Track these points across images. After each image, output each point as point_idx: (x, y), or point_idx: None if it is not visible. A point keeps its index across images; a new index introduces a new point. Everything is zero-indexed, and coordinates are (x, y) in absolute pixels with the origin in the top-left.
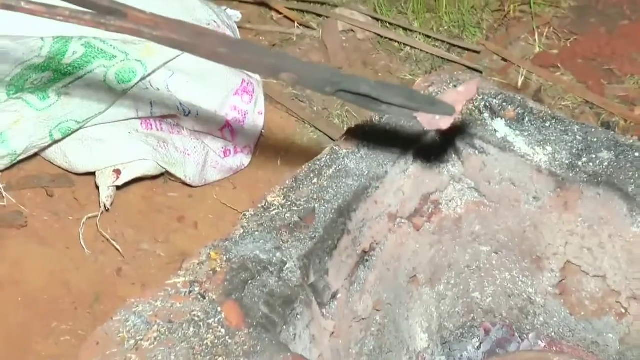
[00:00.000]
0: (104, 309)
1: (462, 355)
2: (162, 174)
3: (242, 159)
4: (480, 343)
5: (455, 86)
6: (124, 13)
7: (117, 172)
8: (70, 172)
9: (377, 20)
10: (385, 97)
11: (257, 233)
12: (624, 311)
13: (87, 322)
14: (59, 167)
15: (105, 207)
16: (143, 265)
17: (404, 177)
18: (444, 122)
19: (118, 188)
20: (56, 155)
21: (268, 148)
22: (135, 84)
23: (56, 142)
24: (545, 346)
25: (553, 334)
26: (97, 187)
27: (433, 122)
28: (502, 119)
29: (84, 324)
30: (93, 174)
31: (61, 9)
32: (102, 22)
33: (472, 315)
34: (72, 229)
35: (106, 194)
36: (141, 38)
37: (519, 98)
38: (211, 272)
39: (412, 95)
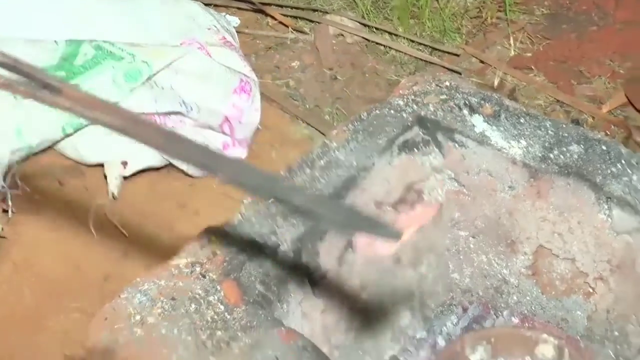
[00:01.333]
0: (111, 288)
1: (441, 331)
2: (165, 165)
3: (239, 152)
4: (459, 319)
5: (438, 87)
6: (58, 89)
7: (124, 163)
8: (81, 164)
9: (365, 25)
10: (322, 213)
11: (253, 219)
12: (591, 291)
13: (96, 300)
14: (71, 159)
15: (113, 195)
16: (148, 249)
17: (389, 168)
18: (385, 248)
19: (125, 178)
20: (68, 148)
21: (264, 142)
22: (142, 83)
23: (68, 136)
24: (518, 322)
25: (525, 311)
26: (106, 178)
27: (371, 247)
28: (480, 115)
29: (93, 302)
30: (102, 165)
31: None
32: (37, 94)
33: (451, 294)
34: (82, 215)
35: (114, 184)
36: (75, 115)
37: (496, 96)
38: (211, 254)
39: (353, 214)
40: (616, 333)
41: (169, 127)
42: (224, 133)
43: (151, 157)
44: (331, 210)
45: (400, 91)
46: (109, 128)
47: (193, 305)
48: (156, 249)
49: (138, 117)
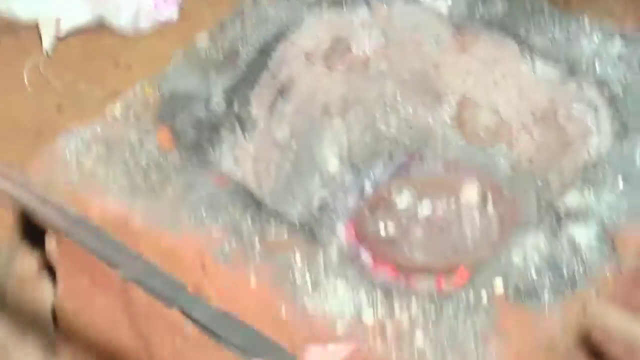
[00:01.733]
0: (45, 139)
1: (369, 177)
2: (99, 25)
3: (171, 11)
4: (385, 167)
5: None
6: None
7: (58, 21)
8: (15, 22)
9: None
10: (221, 331)
11: (186, 70)
12: (514, 141)
13: (30, 151)
14: (5, 18)
15: (47, 53)
16: (81, 103)
17: (318, 23)
18: None
19: (59, 38)
20: (2, 7)
21: (195, 2)
22: None
23: None
24: (443, 170)
25: (450, 159)
26: (40, 36)
27: None
28: None
29: (27, 153)
30: (36, 23)
31: None
32: None
33: (378, 143)
34: (17, 73)
35: (48, 41)
36: None
37: None
38: (145, 102)
39: (253, 337)
40: (538, 182)
41: (77, 215)
42: None
43: (84, 14)
44: (231, 330)
45: None
46: (17, 202)
47: (128, 150)
48: (90, 103)
49: (47, 199)
